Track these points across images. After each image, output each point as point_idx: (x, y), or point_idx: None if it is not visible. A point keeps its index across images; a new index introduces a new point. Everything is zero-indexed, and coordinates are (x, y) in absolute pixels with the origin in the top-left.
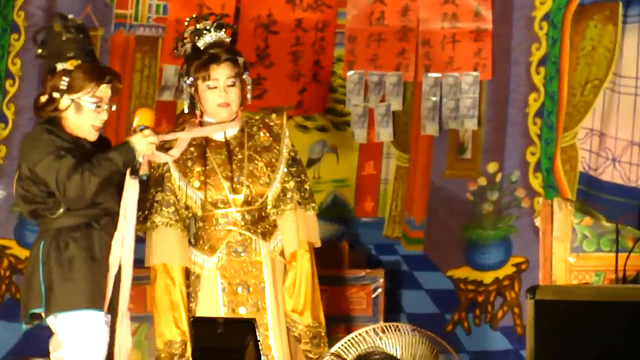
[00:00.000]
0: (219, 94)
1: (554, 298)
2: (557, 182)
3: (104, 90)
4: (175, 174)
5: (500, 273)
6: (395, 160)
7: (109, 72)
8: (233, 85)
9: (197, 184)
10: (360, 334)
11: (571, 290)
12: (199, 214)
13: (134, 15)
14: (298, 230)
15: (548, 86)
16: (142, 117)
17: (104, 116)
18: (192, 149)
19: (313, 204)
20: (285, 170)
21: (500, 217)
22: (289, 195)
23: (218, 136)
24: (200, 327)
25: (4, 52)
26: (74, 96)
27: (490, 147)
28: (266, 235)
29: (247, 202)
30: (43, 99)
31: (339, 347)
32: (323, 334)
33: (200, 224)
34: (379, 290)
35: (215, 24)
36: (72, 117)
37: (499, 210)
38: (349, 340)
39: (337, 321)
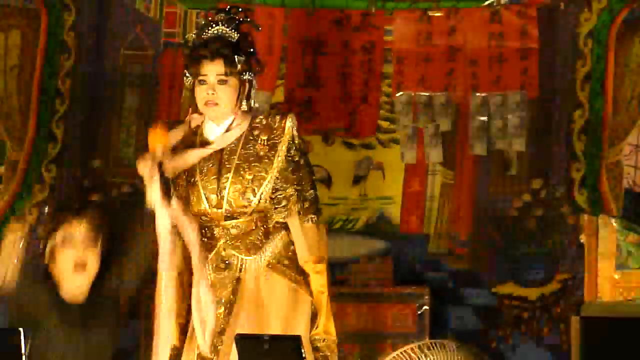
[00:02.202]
0: (207, 90)
1: (600, 315)
2: (602, 198)
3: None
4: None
5: (546, 289)
6: (440, 177)
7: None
8: (225, 83)
9: (181, 192)
10: (405, 351)
11: (616, 307)
12: None
13: (182, 34)
14: (305, 241)
15: (593, 102)
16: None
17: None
18: (189, 146)
19: (313, 215)
20: (279, 178)
21: (546, 234)
22: (283, 204)
23: (213, 138)
24: (245, 344)
25: (54, 71)
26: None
27: (535, 163)
28: (251, 250)
29: (230, 217)
30: None
31: None
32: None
33: None
34: (425, 307)
35: (226, 17)
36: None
37: (544, 227)
38: (394, 358)
39: (383, 338)
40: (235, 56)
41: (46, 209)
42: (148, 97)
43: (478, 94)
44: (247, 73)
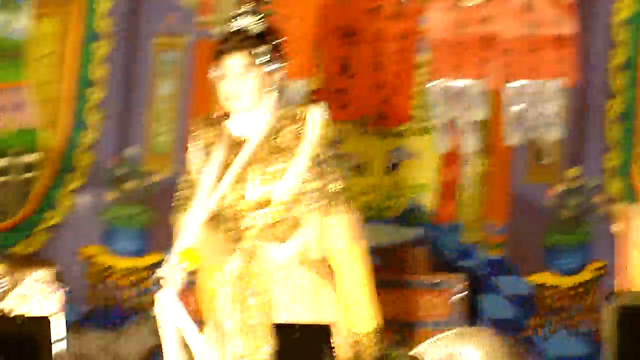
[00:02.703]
0: (228, 85)
1: (632, 303)
2: (635, 188)
3: (44, 275)
4: (194, 166)
5: (580, 278)
6: (475, 166)
7: (38, 260)
8: (245, 76)
9: (208, 181)
10: (440, 339)
11: None
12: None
13: (216, 21)
14: (322, 235)
15: (627, 92)
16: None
17: (61, 297)
18: (220, 140)
19: (339, 207)
20: (302, 172)
21: (580, 223)
22: (306, 197)
23: (238, 132)
24: (280, 332)
25: (89, 59)
26: (15, 292)
27: (570, 153)
28: (278, 241)
29: (255, 207)
30: None
31: (419, 352)
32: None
33: None
34: (459, 295)
35: (249, 8)
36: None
37: (578, 216)
38: (429, 345)
39: (417, 326)
40: (256, 48)
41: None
42: (181, 85)
43: (513, 83)
44: (271, 64)
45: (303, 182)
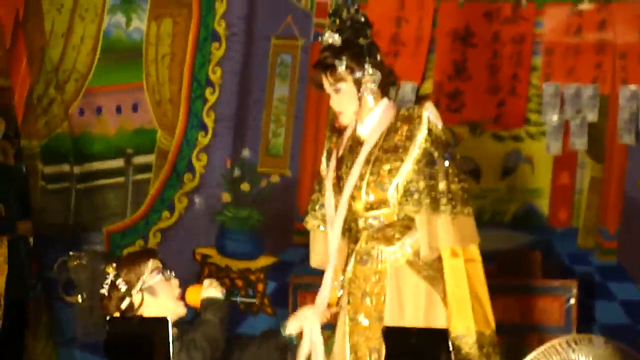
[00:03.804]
0: (331, 101)
1: None
2: None
3: (154, 263)
4: (323, 170)
5: None
6: (589, 170)
7: (146, 252)
8: (338, 91)
9: (329, 185)
10: (553, 346)
11: None
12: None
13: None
14: (429, 236)
15: None
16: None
17: (176, 281)
18: (341, 144)
19: (445, 207)
20: (414, 169)
21: None
22: (415, 197)
23: (360, 132)
24: (393, 336)
25: (205, 61)
26: (139, 286)
27: None
28: (391, 242)
29: (369, 208)
30: (117, 315)
31: (531, 359)
32: (486, 343)
33: None
34: (572, 300)
35: (331, 22)
36: (153, 305)
37: None
38: (541, 352)
39: (529, 330)
40: (336, 62)
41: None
42: (298, 88)
43: (627, 87)
44: (358, 71)
45: (414, 181)
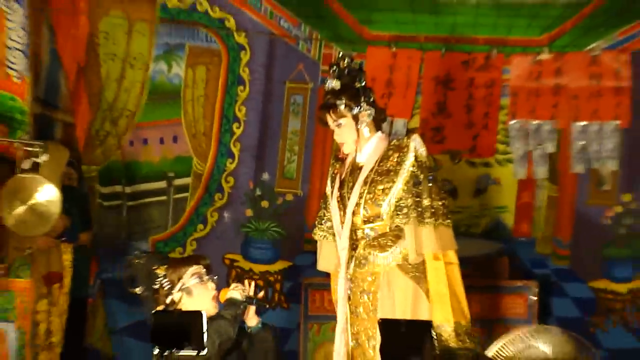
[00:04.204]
0: (334, 135)
1: None
2: None
3: (196, 268)
4: (328, 191)
5: (634, 285)
6: (547, 191)
7: (193, 257)
8: (339, 126)
9: (334, 203)
10: (518, 335)
11: None
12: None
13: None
14: (415, 243)
15: None
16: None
17: (212, 285)
18: (343, 170)
19: (428, 219)
20: (403, 189)
21: (633, 239)
22: (404, 211)
23: (359, 159)
24: (386, 326)
25: (232, 101)
26: (178, 287)
27: (625, 181)
28: (384, 249)
29: (367, 221)
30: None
31: (501, 346)
32: (462, 332)
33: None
34: (533, 297)
35: (331, 70)
36: (189, 303)
37: (632, 233)
38: (509, 340)
39: (499, 322)
40: (337, 102)
41: (225, 215)
42: (307, 123)
43: (578, 123)
44: (355, 108)
45: (403, 198)
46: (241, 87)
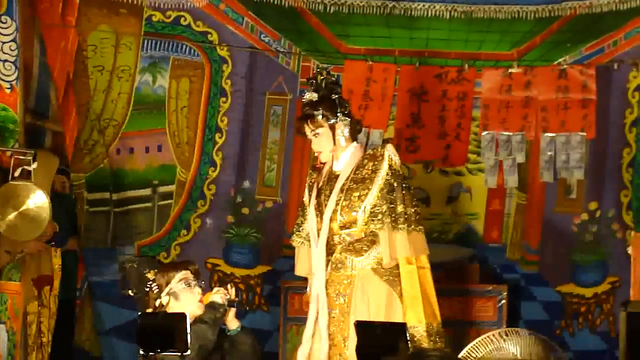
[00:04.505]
0: (312, 144)
1: None
2: None
3: (184, 274)
4: (306, 199)
5: (599, 289)
6: (516, 199)
7: (178, 264)
8: (317, 135)
9: (312, 211)
10: (488, 337)
11: None
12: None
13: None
14: (390, 247)
15: (639, 142)
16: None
17: (198, 289)
18: (320, 179)
19: (402, 225)
20: (377, 196)
21: (599, 245)
22: (379, 217)
23: (336, 168)
24: (362, 328)
25: (215, 111)
26: (166, 290)
27: (591, 190)
28: (359, 253)
29: (343, 227)
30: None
31: (471, 347)
32: (433, 332)
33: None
34: (503, 301)
35: (310, 83)
36: (176, 307)
37: (597, 240)
38: (478, 342)
39: (470, 325)
40: (317, 112)
41: (208, 221)
42: (286, 133)
43: (547, 134)
44: (332, 119)
45: (378, 205)
46: (223, 99)
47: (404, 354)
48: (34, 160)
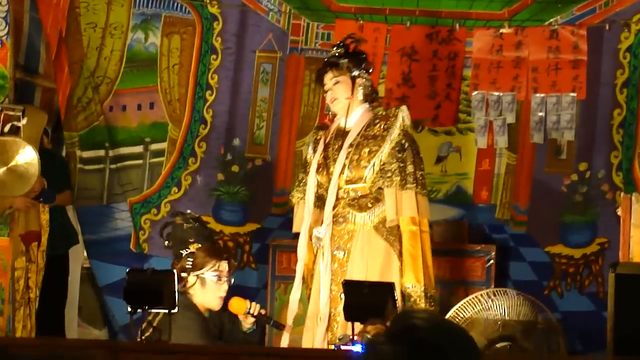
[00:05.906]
0: (329, 92)
1: (631, 272)
2: (634, 179)
3: (223, 265)
4: (309, 156)
5: (588, 250)
6: (505, 159)
7: (225, 251)
8: (338, 82)
9: (314, 166)
10: (476, 297)
11: None
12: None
13: (304, 41)
14: (396, 205)
15: (629, 103)
16: (235, 306)
17: (225, 287)
18: (328, 135)
19: (410, 185)
20: (388, 153)
21: (588, 206)
22: (388, 175)
23: (345, 125)
24: (350, 287)
25: (206, 69)
26: (197, 273)
27: (581, 150)
28: (363, 209)
29: (349, 182)
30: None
31: (459, 307)
32: (429, 295)
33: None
34: (491, 261)
35: (337, 45)
36: (198, 292)
37: (587, 201)
38: (466, 302)
39: (458, 285)
40: (340, 61)
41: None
42: (276, 91)
43: (537, 95)
44: (355, 70)
45: (388, 163)
46: (214, 56)
47: (390, 315)
48: (23, 116)
